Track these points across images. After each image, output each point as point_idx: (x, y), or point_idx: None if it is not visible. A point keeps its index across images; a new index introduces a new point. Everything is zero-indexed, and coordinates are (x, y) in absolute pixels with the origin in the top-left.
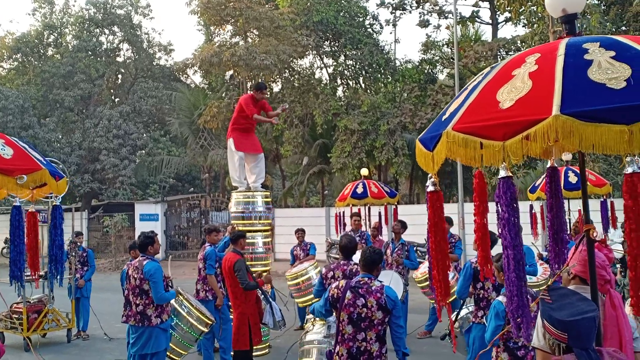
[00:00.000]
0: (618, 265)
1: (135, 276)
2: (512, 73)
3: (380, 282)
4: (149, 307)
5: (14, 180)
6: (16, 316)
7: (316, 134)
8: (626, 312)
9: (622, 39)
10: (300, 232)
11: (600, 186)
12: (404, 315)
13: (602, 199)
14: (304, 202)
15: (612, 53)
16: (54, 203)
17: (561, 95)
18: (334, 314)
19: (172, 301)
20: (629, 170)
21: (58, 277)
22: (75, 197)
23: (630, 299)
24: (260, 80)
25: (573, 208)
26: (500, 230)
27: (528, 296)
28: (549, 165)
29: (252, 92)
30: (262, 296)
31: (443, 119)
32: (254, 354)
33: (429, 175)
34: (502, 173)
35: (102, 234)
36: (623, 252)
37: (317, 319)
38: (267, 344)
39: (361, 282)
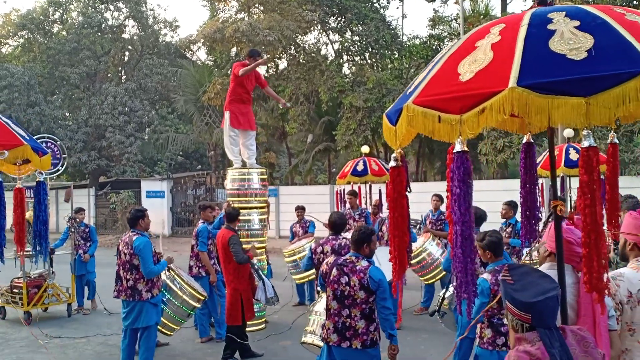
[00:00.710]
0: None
1: (126, 251)
2: (476, 44)
3: (369, 261)
4: (139, 281)
5: None
6: (16, 291)
7: (321, 112)
8: None
9: (590, 8)
10: (300, 210)
11: (600, 163)
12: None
13: (603, 177)
14: (311, 180)
15: (577, 23)
16: (37, 179)
17: (520, 66)
18: None
19: (164, 277)
20: (585, 144)
21: (42, 252)
22: (84, 174)
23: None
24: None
25: (573, 186)
26: (451, 205)
27: (475, 273)
28: (524, 140)
29: (245, 60)
30: (255, 273)
31: (408, 92)
32: (249, 329)
33: (397, 150)
34: (458, 147)
35: (110, 210)
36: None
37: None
38: (263, 319)
39: (347, 261)
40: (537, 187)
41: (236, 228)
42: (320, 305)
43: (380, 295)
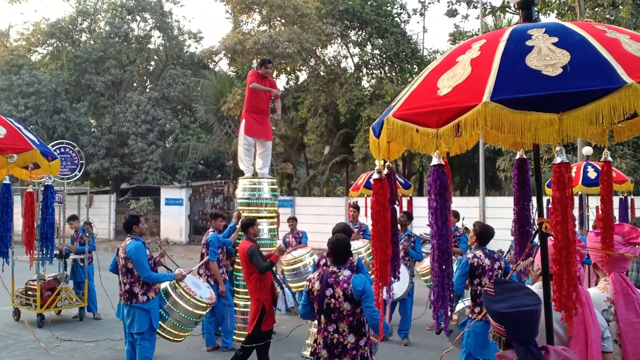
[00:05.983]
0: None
1: (122, 255)
2: (457, 59)
3: (352, 271)
4: (135, 285)
5: (5, 159)
6: (31, 293)
7: (340, 124)
8: (594, 311)
9: (570, 25)
10: (292, 221)
11: (620, 183)
12: (409, 306)
13: (623, 196)
14: (328, 192)
15: (555, 39)
16: (46, 183)
17: (495, 82)
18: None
19: (165, 284)
20: (558, 160)
21: (48, 255)
22: (107, 181)
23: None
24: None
25: (592, 204)
26: (429, 219)
27: (451, 287)
28: (517, 156)
29: (258, 69)
30: (276, 282)
31: (391, 106)
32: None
33: (385, 164)
34: (435, 161)
35: None
36: None
37: None
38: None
39: (330, 272)
40: (530, 204)
41: (254, 238)
42: None
43: (366, 303)
